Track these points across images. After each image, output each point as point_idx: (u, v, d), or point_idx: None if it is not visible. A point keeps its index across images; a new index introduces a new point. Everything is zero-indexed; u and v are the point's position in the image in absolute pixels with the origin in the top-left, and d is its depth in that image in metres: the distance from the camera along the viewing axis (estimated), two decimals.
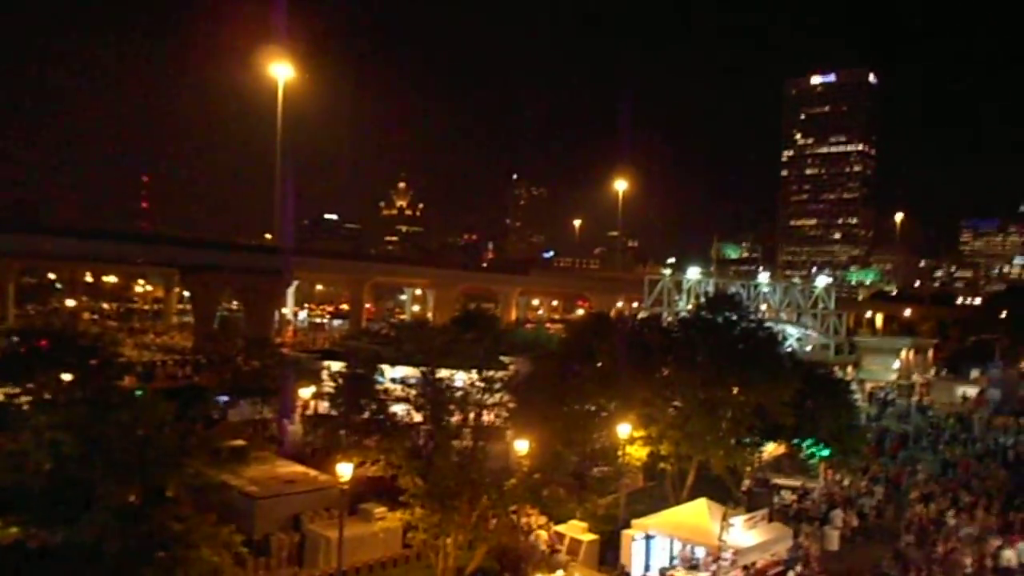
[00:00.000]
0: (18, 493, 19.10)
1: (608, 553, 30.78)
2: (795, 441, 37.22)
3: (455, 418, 28.85)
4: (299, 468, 35.43)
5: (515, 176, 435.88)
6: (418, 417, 28.57)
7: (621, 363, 32.45)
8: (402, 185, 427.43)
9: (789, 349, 70.55)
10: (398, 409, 28.24)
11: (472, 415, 33.17)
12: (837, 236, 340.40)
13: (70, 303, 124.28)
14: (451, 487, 23.54)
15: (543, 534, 30.67)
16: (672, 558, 29.56)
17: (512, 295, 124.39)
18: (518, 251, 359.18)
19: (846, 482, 40.41)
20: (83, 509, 18.28)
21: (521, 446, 27.86)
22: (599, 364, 33.32)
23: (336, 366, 40.06)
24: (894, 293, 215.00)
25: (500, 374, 48.34)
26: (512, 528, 28.17)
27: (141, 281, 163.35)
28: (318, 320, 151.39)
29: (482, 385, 39.18)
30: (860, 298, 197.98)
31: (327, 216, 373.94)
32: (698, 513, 29.20)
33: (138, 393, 60.18)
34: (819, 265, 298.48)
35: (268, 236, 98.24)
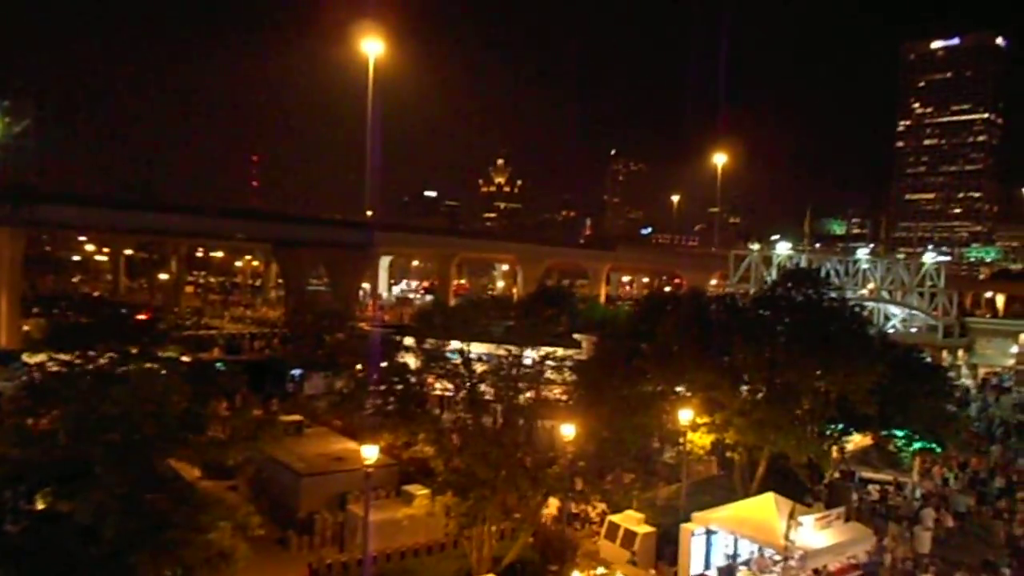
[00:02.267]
0: (33, 466, 18.69)
1: (666, 548, 28.59)
2: (884, 432, 33.87)
3: (519, 397, 27.42)
4: (352, 445, 34.71)
5: (614, 152, 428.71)
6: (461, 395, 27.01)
7: (684, 343, 29.95)
8: (501, 162, 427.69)
9: (891, 330, 65.85)
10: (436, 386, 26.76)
11: (525, 395, 31.77)
12: (957, 211, 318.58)
13: (164, 276, 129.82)
14: (481, 471, 21.90)
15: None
16: (734, 556, 27.15)
17: (601, 271, 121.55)
18: (616, 227, 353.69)
19: (942, 478, 36.71)
20: (84, 488, 17.61)
21: (567, 430, 25.99)
22: (660, 344, 30.89)
23: (409, 341, 39.44)
24: (1020, 271, 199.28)
25: (570, 352, 46.63)
26: (556, 518, 26.47)
27: (248, 257, 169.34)
28: (411, 295, 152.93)
29: (552, 363, 37.56)
30: (981, 277, 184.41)
31: (427, 194, 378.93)
32: (764, 508, 26.60)
33: (219, 366, 61.48)
34: (936, 242, 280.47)
35: (369, 213, 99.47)
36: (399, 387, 24.53)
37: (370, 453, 22.98)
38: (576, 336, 54.36)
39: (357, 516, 27.82)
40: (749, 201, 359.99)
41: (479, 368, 31.00)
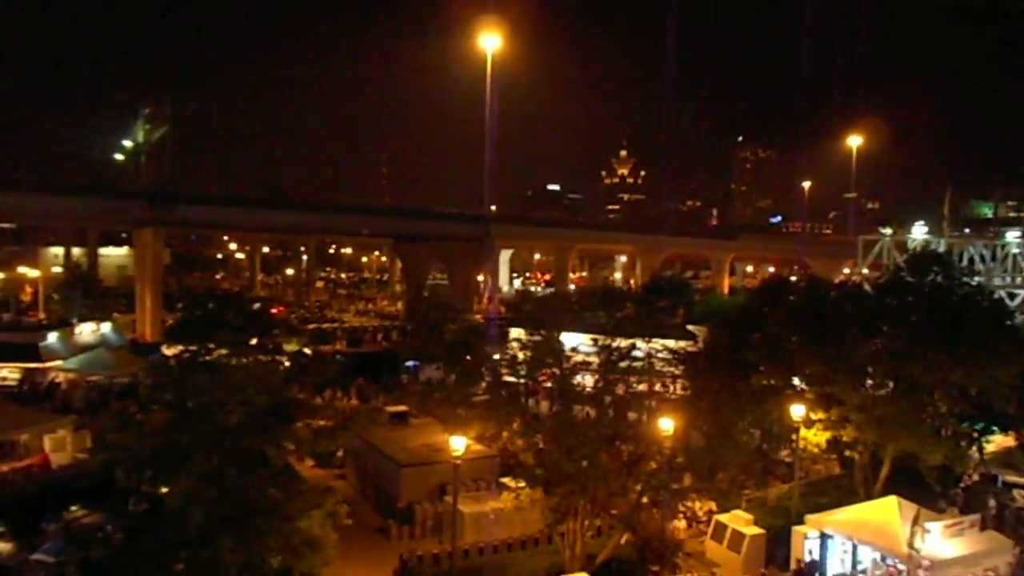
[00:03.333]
0: (134, 451, 19.41)
1: (777, 551, 26.90)
2: None
3: (617, 389, 26.57)
4: (458, 435, 34.71)
5: (741, 139, 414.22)
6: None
7: (797, 334, 28.03)
8: (624, 153, 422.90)
9: None
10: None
11: (631, 387, 30.70)
12: None
13: (290, 272, 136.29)
14: (568, 466, 21.12)
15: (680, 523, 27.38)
16: (852, 564, 25.13)
17: (724, 261, 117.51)
18: (743, 217, 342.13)
19: None
20: (177, 474, 18.11)
21: (666, 425, 24.76)
22: (771, 335, 29.06)
23: (520, 333, 39.26)
24: None
25: (681, 344, 45.04)
26: (656, 516, 25.29)
27: (376, 252, 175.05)
28: (531, 287, 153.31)
29: (662, 356, 36.39)
30: None
31: (550, 187, 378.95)
32: (886, 512, 24.48)
33: (338, 357, 63.26)
34: None
35: (493, 208, 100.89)
36: (488, 379, 24.09)
37: (458, 445, 22.72)
38: (690, 328, 52.60)
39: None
40: (888, 185, 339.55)
41: (585, 360, 30.32)
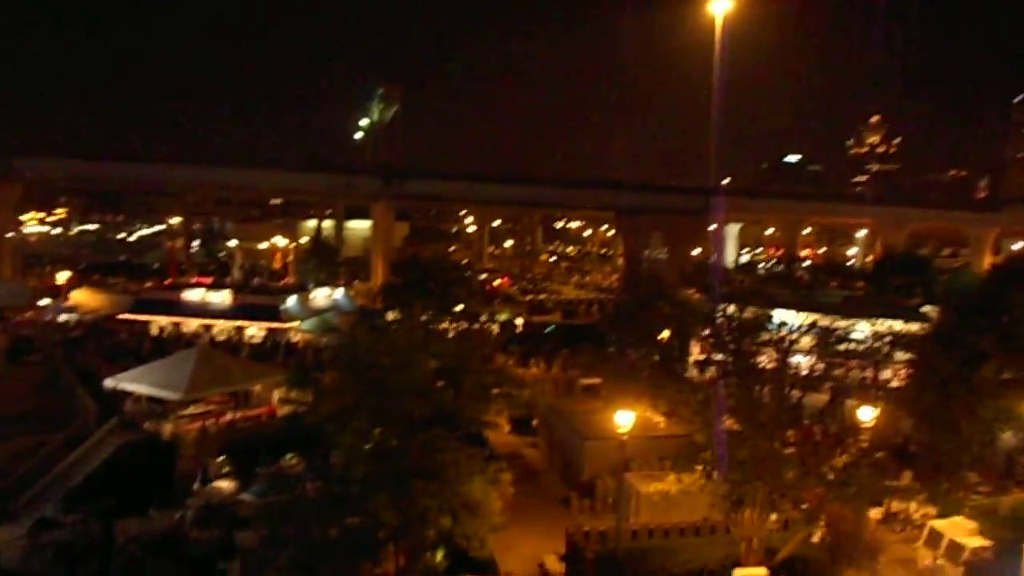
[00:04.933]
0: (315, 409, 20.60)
1: (1006, 569, 23.17)
2: None
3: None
4: (649, 412, 33.68)
5: (1018, 99, 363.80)
6: None
7: None
8: (875, 120, 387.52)
9: None
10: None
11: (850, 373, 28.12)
12: None
13: (508, 244, 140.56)
14: (737, 452, 19.49)
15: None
16: None
17: (985, 238, 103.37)
18: (1019, 187, 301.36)
19: None
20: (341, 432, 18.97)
21: (865, 414, 22.12)
22: (1011, 320, 25.05)
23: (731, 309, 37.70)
24: None
25: (912, 327, 40.68)
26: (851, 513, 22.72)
27: (604, 226, 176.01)
28: (760, 264, 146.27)
29: (889, 339, 33.54)
30: None
31: (788, 159, 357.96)
32: None
33: (549, 329, 64.18)
34: None
35: (726, 181, 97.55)
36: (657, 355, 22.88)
37: (625, 420, 21.90)
38: (925, 309, 47.17)
39: (631, 485, 26.85)
40: None
41: (785, 337, 28.11)
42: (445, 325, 38.37)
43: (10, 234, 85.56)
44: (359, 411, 18.54)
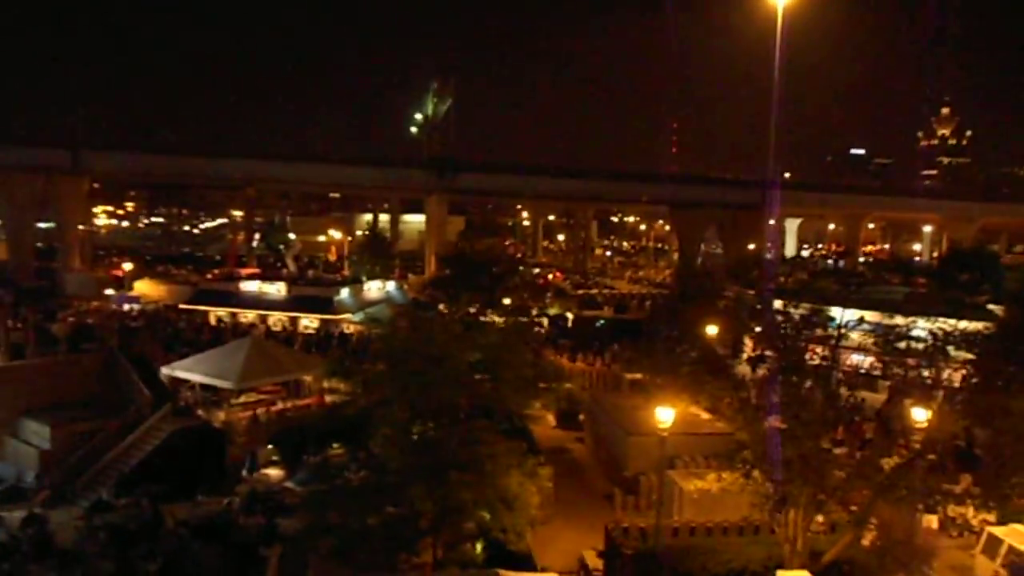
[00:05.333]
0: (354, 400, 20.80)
1: None
2: None
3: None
4: (694, 408, 33.15)
5: None
6: None
7: None
8: (946, 111, 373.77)
9: None
10: None
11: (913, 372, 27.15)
12: None
13: (560, 238, 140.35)
14: (786, 450, 18.95)
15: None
16: None
17: None
18: None
19: None
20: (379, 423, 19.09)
21: (919, 415, 21.28)
22: None
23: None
24: None
25: (978, 326, 39.28)
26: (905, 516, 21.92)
27: (660, 221, 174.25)
28: (819, 260, 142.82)
29: (953, 338, 32.33)
30: None
31: (853, 152, 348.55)
32: None
33: (599, 324, 63.70)
34: None
35: (787, 175, 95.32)
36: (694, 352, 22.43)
37: (665, 416, 21.53)
38: (991, 307, 45.32)
39: (674, 482, 26.50)
40: None
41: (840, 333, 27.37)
42: (494, 318, 38.33)
43: (80, 226, 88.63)
44: (399, 402, 18.60)
